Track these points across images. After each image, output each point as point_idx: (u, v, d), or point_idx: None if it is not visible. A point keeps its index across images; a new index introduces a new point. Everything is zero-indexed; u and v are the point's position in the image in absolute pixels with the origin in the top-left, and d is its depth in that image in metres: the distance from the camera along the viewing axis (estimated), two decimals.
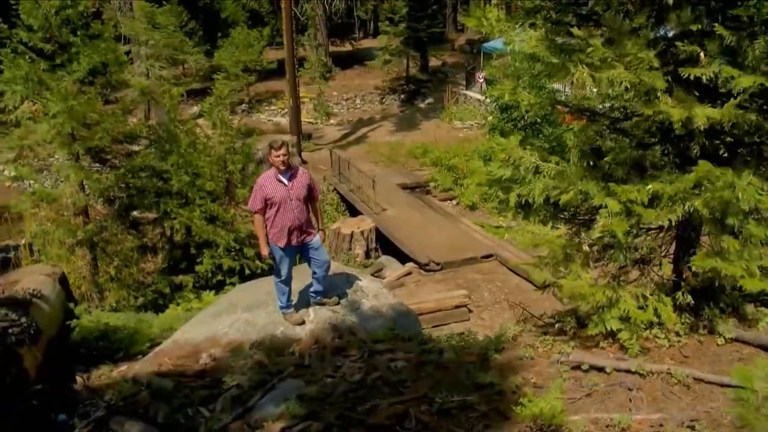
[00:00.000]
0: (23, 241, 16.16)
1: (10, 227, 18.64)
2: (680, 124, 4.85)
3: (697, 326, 5.65)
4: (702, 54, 4.95)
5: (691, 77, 4.90)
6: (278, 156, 6.58)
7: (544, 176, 5.76)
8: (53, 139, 11.75)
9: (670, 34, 5.44)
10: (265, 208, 6.73)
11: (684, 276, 5.70)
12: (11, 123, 12.16)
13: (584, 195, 5.50)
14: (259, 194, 6.72)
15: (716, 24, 4.87)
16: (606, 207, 5.21)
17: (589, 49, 5.01)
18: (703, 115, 4.74)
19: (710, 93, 5.06)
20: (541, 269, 6.20)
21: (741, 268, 5.08)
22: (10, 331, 5.32)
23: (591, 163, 5.73)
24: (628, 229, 5.29)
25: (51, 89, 11.35)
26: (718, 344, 5.47)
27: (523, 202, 5.96)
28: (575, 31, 5.23)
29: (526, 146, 6.04)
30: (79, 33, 12.09)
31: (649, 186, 5.09)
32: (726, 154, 5.24)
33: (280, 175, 6.68)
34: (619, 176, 5.51)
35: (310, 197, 6.97)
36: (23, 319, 5.62)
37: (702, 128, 4.83)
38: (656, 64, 4.91)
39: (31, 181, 13.02)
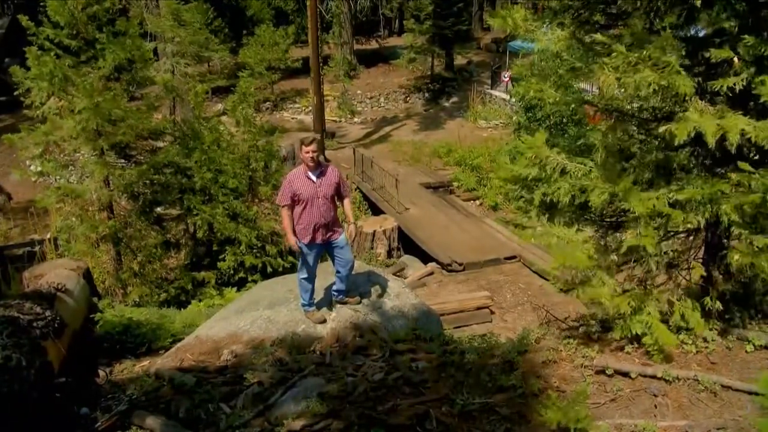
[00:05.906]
0: (48, 236, 16.37)
1: (36, 222, 18.97)
2: (713, 138, 4.69)
3: (726, 332, 5.54)
4: (735, 59, 4.82)
5: (724, 88, 4.77)
6: (308, 152, 6.60)
7: (570, 177, 5.66)
8: (78, 135, 11.85)
9: (701, 33, 5.32)
10: (293, 204, 6.75)
11: (713, 281, 5.58)
12: (37, 119, 12.28)
13: (611, 197, 5.39)
14: (287, 189, 6.75)
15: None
16: (633, 211, 5.10)
17: (613, 55, 4.90)
18: (737, 130, 4.57)
19: (742, 97, 4.94)
20: (563, 274, 6.12)
21: None
22: (34, 324, 5.34)
23: (618, 165, 5.63)
24: (660, 236, 5.18)
25: (77, 85, 11.46)
26: (747, 351, 5.36)
27: (548, 201, 5.87)
28: (597, 36, 5.13)
29: (552, 146, 5.95)
30: (105, 29, 12.18)
31: (673, 194, 4.98)
32: (757, 157, 5.12)
33: (309, 172, 6.70)
34: (645, 179, 5.41)
35: (340, 195, 6.97)
36: (48, 313, 5.64)
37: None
38: (682, 70, 4.77)
39: (57, 177, 13.13)
